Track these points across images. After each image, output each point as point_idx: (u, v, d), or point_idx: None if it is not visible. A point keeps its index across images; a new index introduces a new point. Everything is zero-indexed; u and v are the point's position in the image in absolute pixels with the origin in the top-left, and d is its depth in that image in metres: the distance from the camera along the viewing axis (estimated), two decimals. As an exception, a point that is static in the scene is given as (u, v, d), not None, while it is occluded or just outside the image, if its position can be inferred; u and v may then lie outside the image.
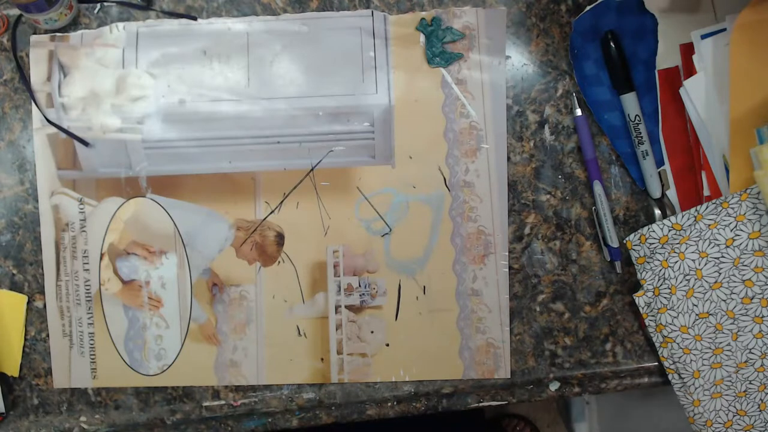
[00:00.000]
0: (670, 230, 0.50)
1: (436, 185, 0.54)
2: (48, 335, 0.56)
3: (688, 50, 0.51)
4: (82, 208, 0.55)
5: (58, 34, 0.54)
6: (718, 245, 0.49)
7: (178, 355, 0.55)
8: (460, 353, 0.54)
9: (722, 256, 0.49)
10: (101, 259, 0.55)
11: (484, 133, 0.53)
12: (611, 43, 0.51)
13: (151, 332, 0.55)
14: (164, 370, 0.56)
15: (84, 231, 0.55)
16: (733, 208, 0.49)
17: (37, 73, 0.54)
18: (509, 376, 0.54)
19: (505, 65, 0.53)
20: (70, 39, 0.54)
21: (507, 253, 0.54)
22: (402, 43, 0.53)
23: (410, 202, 0.54)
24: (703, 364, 0.51)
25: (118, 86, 0.54)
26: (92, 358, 0.56)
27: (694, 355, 0.51)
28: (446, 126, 0.54)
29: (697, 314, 0.50)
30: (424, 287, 0.54)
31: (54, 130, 0.54)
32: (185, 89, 0.54)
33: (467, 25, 0.53)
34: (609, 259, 0.54)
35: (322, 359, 0.55)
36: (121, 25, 0.54)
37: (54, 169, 0.55)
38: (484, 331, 0.54)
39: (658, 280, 0.51)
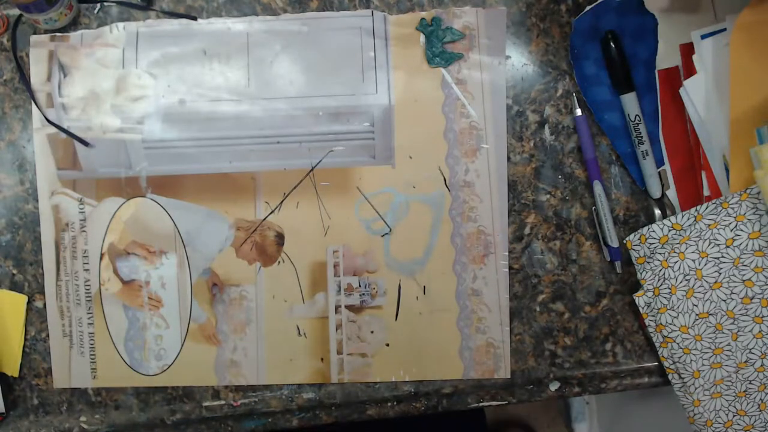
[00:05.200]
0: (670, 230, 0.50)
1: (436, 185, 0.54)
2: (48, 335, 0.56)
3: (688, 50, 0.51)
4: (82, 208, 0.55)
5: (58, 34, 0.54)
6: (718, 245, 0.49)
7: (178, 355, 0.55)
8: (460, 353, 0.54)
9: (722, 256, 0.49)
10: (101, 259, 0.55)
11: (484, 133, 0.53)
12: (611, 43, 0.51)
13: (151, 332, 0.55)
14: (164, 370, 0.56)
15: (84, 231, 0.55)
16: (733, 208, 0.49)
17: (37, 73, 0.54)
18: (509, 376, 0.54)
19: (505, 65, 0.53)
20: (70, 39, 0.54)
21: (507, 253, 0.54)
22: (402, 43, 0.53)
23: (410, 202, 0.54)
24: (703, 364, 0.51)
25: (118, 86, 0.54)
26: (92, 358, 0.56)
27: (694, 355, 0.51)
28: (446, 126, 0.54)
29: (697, 314, 0.50)
30: (424, 287, 0.54)
31: (54, 130, 0.54)
32: (185, 89, 0.54)
33: (467, 25, 0.53)
34: (609, 259, 0.54)
35: (322, 359, 0.55)
36: (121, 25, 0.54)
37: (54, 169, 0.55)
38: (484, 331, 0.54)
39: (658, 280, 0.51)
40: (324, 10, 0.54)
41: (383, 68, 0.53)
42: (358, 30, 0.53)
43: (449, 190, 0.54)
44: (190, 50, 0.54)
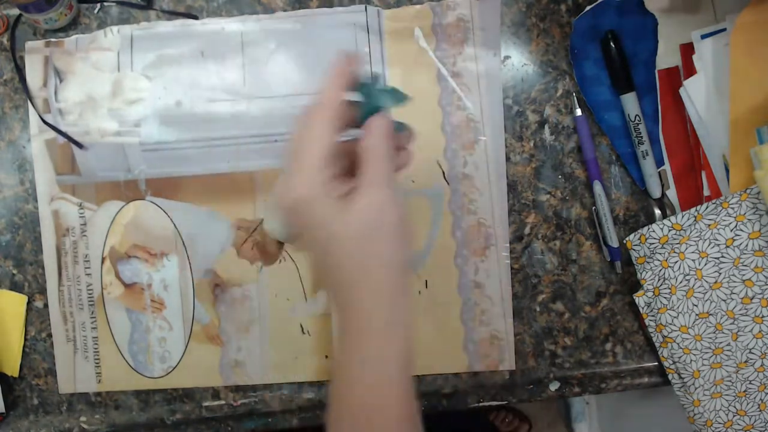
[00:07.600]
0: (670, 230, 0.50)
1: (435, 179, 0.54)
2: (48, 335, 0.56)
3: (688, 50, 0.51)
4: (82, 213, 0.55)
5: (52, 39, 0.54)
6: (718, 245, 0.49)
7: (182, 356, 0.55)
8: (464, 346, 0.54)
9: (722, 256, 0.49)
10: (102, 263, 0.55)
11: (481, 125, 0.53)
12: (611, 43, 0.51)
13: (155, 335, 0.55)
14: (169, 372, 0.55)
15: (85, 236, 0.55)
16: (733, 208, 0.49)
17: (33, 79, 0.54)
18: (514, 368, 0.54)
19: (500, 56, 0.53)
20: (65, 44, 0.54)
21: (508, 244, 0.54)
22: (397, 38, 0.53)
23: (410, 196, 0.54)
24: (703, 364, 0.51)
25: (114, 90, 0.54)
26: (96, 362, 0.56)
27: (694, 355, 0.51)
28: (443, 119, 0.53)
29: (697, 314, 0.50)
30: (426, 281, 0.54)
31: (52, 135, 0.54)
32: (181, 90, 0.54)
33: (461, 17, 0.53)
34: (609, 259, 0.54)
35: (326, 356, 0.55)
36: (115, 28, 0.54)
37: (53, 175, 0.55)
38: (487, 323, 0.54)
39: (658, 280, 0.51)
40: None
41: (379, 63, 0.53)
42: (353, 26, 0.53)
43: (448, 184, 0.54)
44: (184, 51, 0.54)
